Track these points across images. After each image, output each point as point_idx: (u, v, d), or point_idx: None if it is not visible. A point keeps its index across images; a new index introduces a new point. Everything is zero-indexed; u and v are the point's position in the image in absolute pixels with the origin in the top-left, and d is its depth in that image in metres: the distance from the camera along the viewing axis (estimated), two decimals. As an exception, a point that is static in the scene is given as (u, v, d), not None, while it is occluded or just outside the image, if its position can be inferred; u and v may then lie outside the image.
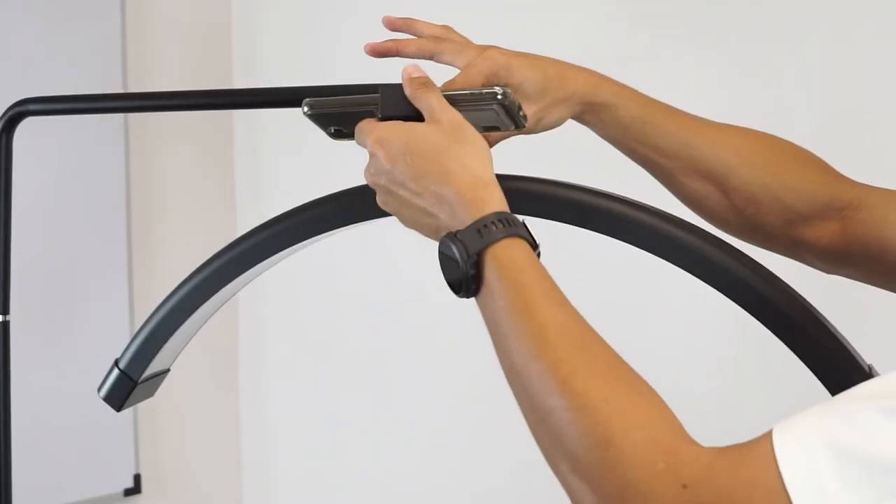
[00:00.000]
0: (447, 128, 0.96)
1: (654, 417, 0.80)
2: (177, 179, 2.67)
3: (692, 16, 2.12)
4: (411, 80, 1.00)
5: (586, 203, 1.05)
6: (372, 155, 0.98)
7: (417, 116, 0.99)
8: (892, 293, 1.15)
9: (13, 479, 1.25)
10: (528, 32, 2.29)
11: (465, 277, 0.90)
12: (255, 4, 2.71)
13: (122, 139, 2.53)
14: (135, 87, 2.53)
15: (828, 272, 1.17)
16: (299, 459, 2.76)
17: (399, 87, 1.01)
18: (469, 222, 0.92)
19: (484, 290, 0.90)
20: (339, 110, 1.03)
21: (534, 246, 0.93)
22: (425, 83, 1.00)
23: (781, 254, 1.18)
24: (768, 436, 0.76)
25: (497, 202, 0.93)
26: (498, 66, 1.06)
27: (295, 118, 2.76)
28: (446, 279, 0.92)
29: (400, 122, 0.98)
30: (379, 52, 1.14)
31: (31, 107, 1.21)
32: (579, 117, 1.12)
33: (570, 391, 0.82)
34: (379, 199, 1.00)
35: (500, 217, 0.92)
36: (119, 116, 2.51)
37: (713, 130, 1.15)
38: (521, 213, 1.04)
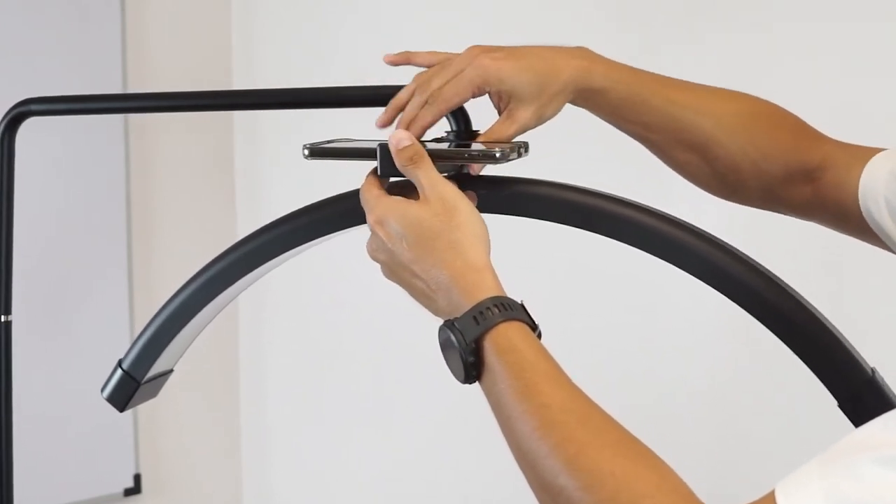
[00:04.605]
0: (439, 209, 0.97)
1: (662, 484, 0.82)
2: (177, 180, 2.67)
3: (687, 15, 2.13)
4: (399, 152, 1.00)
5: (589, 205, 1.05)
6: (372, 232, 1.00)
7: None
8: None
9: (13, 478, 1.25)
10: (524, 33, 2.29)
11: (465, 365, 0.92)
12: (254, 5, 2.72)
13: (122, 139, 2.53)
14: (135, 88, 2.53)
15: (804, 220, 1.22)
16: (299, 460, 2.76)
17: None
18: (465, 309, 0.93)
19: (485, 376, 0.92)
20: (338, 159, 1.05)
21: (533, 327, 0.94)
22: (413, 157, 1.00)
23: (760, 209, 1.23)
24: (772, 497, 0.76)
25: (491, 287, 0.94)
26: (488, 74, 1.06)
27: (295, 119, 2.77)
28: (448, 367, 0.94)
29: (397, 200, 0.98)
30: (394, 63, 1.15)
31: (34, 107, 1.21)
32: (572, 102, 1.14)
33: (577, 470, 0.83)
34: (382, 272, 1.01)
35: (495, 302, 0.92)
36: (119, 116, 2.51)
37: (697, 99, 1.17)
38: (526, 216, 1.05)
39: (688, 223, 1.04)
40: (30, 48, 2.39)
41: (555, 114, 1.12)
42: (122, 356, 1.15)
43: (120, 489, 2.57)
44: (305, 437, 2.75)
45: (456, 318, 0.93)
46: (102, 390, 1.15)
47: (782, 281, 1.01)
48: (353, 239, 1.16)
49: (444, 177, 1.00)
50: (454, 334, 0.92)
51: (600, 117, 1.17)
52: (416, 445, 2.56)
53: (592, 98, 1.13)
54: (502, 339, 0.91)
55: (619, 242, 1.05)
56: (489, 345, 0.91)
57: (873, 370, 0.98)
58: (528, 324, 0.93)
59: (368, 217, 1.00)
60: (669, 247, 1.02)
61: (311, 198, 1.10)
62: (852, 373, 0.97)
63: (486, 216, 1.05)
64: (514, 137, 1.08)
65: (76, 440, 2.49)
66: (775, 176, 1.17)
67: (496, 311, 0.92)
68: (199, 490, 2.75)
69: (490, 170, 1.07)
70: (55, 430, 2.45)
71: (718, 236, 1.05)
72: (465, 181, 1.05)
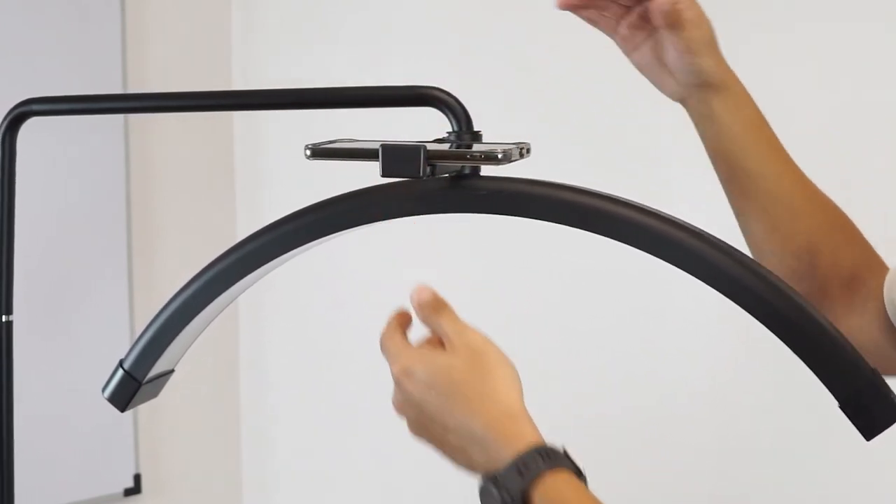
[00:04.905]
0: (465, 356, 0.93)
1: None
2: (177, 180, 2.67)
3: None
4: (422, 307, 0.97)
5: (588, 206, 1.05)
6: (397, 383, 0.96)
7: (419, 173, 0.98)
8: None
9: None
10: (525, 33, 2.29)
11: None
12: (255, 5, 2.72)
13: (122, 139, 2.53)
14: (135, 88, 2.53)
15: None
16: (299, 460, 2.76)
17: (400, 147, 0.99)
18: (506, 461, 0.88)
19: None
20: (340, 160, 1.05)
21: (578, 473, 0.89)
22: (435, 308, 0.96)
23: None
24: None
25: (531, 434, 0.90)
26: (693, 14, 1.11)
27: (295, 119, 2.77)
28: None
29: (422, 350, 0.96)
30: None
31: (35, 107, 1.20)
32: (697, 93, 1.14)
33: None
34: (409, 428, 0.98)
35: (538, 451, 0.88)
36: (119, 116, 2.51)
37: (797, 168, 1.15)
38: (526, 217, 1.05)
39: (688, 223, 1.04)
40: (30, 48, 2.39)
41: (694, 72, 1.13)
42: (123, 356, 1.15)
43: (120, 489, 2.57)
44: (305, 438, 2.75)
45: (498, 472, 0.89)
46: (104, 390, 1.15)
47: (782, 281, 1.01)
48: (354, 239, 1.16)
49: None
50: (498, 489, 0.88)
51: (712, 133, 1.15)
52: (417, 445, 2.56)
53: (721, 96, 1.13)
54: (551, 491, 0.86)
55: (620, 244, 1.05)
56: (538, 498, 0.86)
57: (873, 370, 0.98)
58: (573, 471, 0.89)
59: (392, 368, 0.96)
60: (669, 248, 1.02)
61: (311, 198, 1.10)
62: (852, 373, 0.96)
63: (487, 216, 1.05)
64: (679, 23, 1.12)
65: (76, 440, 2.49)
66: (841, 274, 1.14)
67: (540, 461, 0.87)
68: (199, 490, 2.75)
69: (490, 170, 1.07)
70: (55, 430, 2.44)
71: (719, 237, 1.05)
72: (464, 182, 1.04)
